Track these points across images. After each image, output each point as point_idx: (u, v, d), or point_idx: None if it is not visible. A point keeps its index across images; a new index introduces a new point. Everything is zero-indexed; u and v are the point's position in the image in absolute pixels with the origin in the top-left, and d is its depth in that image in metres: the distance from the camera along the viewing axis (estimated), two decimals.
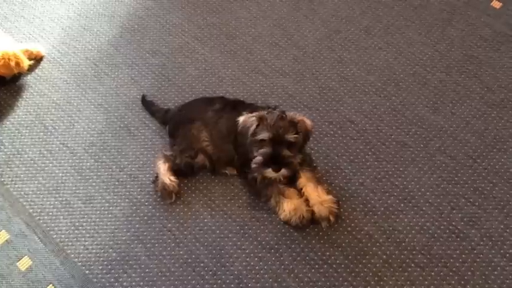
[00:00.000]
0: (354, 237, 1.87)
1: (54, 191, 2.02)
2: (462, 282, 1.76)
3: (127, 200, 1.99)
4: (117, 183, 2.03)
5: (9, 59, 2.22)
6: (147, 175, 2.04)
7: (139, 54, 2.43)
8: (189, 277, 1.81)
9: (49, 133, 2.18)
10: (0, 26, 2.55)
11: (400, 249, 1.83)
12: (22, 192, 2.02)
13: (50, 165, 2.09)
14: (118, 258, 1.86)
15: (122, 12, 2.59)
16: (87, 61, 2.41)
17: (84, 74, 2.37)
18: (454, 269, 1.79)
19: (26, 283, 1.82)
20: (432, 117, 2.16)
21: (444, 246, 1.83)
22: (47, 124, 2.21)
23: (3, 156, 2.12)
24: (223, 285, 1.79)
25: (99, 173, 2.06)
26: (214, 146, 1.97)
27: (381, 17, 2.51)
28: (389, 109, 2.20)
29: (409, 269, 1.79)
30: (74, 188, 2.03)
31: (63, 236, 1.91)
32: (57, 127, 2.20)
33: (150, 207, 1.97)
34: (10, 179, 2.06)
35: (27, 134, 2.19)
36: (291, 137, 1.74)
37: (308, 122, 1.83)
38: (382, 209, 1.93)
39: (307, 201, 1.87)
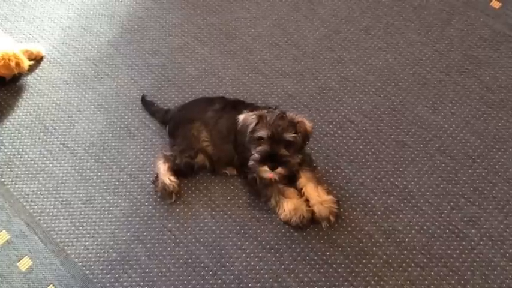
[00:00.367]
0: (354, 237, 1.87)
1: (54, 191, 2.02)
2: (462, 281, 1.76)
3: (127, 200, 1.99)
4: (117, 183, 2.03)
5: (9, 59, 2.22)
6: (147, 175, 2.04)
7: (139, 54, 2.43)
8: (189, 277, 1.81)
9: (49, 133, 2.19)
10: (1, 26, 2.55)
11: (400, 249, 1.84)
12: (22, 193, 2.02)
13: (50, 165, 2.09)
14: (118, 258, 1.86)
15: (121, 13, 2.59)
16: (87, 61, 2.41)
17: (84, 74, 2.37)
18: (454, 268, 1.79)
19: (27, 283, 1.82)
20: (432, 117, 2.17)
21: (444, 246, 1.84)
22: (47, 124, 2.21)
23: (4, 157, 2.12)
24: (224, 285, 1.79)
25: (99, 173, 2.06)
26: (214, 146, 1.97)
27: (380, 17, 2.51)
28: (389, 109, 2.20)
29: (409, 269, 1.79)
30: (74, 188, 2.03)
31: (63, 236, 1.91)
32: (57, 127, 2.20)
33: (150, 207, 1.97)
34: (10, 179, 2.06)
35: (27, 134, 2.19)
36: (289, 136, 1.74)
37: (308, 124, 1.83)
38: (382, 208, 1.93)
39: (307, 201, 1.87)
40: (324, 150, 2.09)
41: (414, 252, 1.83)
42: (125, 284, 1.81)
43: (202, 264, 1.83)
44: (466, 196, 1.95)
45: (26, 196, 2.01)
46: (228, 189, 2.00)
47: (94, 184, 2.04)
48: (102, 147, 2.14)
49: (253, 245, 1.87)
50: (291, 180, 1.90)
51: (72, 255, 1.87)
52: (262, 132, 1.74)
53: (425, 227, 1.88)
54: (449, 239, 1.85)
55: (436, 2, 2.54)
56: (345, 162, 2.05)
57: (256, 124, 1.77)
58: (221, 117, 1.97)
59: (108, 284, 1.80)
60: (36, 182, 2.05)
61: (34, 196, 2.01)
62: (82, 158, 2.11)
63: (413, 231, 1.87)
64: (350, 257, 1.83)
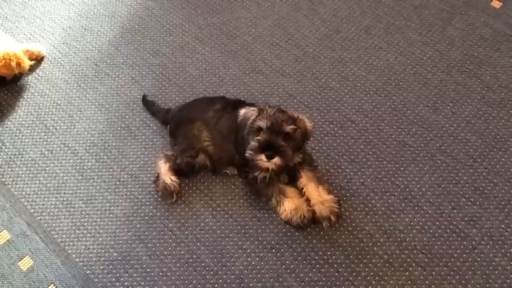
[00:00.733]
0: (355, 236, 1.87)
1: (55, 191, 2.02)
2: (463, 281, 1.76)
3: (128, 199, 1.99)
4: (118, 183, 2.04)
5: (10, 59, 2.22)
6: (148, 175, 2.04)
7: (140, 54, 2.43)
8: (190, 277, 1.81)
9: (50, 133, 2.19)
10: (1, 26, 2.56)
11: (401, 248, 1.84)
12: (23, 193, 2.03)
13: (51, 165, 2.10)
14: (119, 258, 1.86)
15: (122, 13, 2.59)
16: (88, 61, 2.42)
17: (85, 74, 2.37)
18: (454, 268, 1.79)
19: (28, 283, 1.82)
20: (433, 117, 2.17)
21: (445, 245, 1.84)
22: (48, 124, 2.22)
23: (5, 157, 2.12)
24: (224, 285, 1.79)
25: (100, 173, 2.07)
26: (215, 146, 1.97)
27: (381, 17, 2.51)
28: (390, 109, 2.20)
29: (410, 269, 1.79)
30: (75, 188, 2.03)
31: (64, 236, 1.92)
32: (58, 127, 2.21)
33: (151, 207, 1.97)
34: (11, 179, 2.06)
35: (28, 134, 2.19)
36: (288, 128, 1.75)
37: (308, 123, 1.84)
38: (383, 208, 1.93)
39: (308, 200, 1.87)
40: (325, 149, 2.09)
41: (415, 251, 1.83)
42: (126, 283, 1.81)
43: (203, 264, 1.84)
44: (467, 196, 1.95)
45: (27, 196, 2.02)
46: (229, 189, 2.00)
47: (95, 184, 2.04)
48: (103, 147, 2.14)
49: (254, 245, 1.87)
50: (291, 179, 1.91)
51: (73, 255, 1.87)
52: (262, 123, 1.75)
53: (426, 227, 1.88)
54: (450, 238, 1.85)
55: (436, 2, 2.54)
56: (346, 162, 2.05)
57: (257, 116, 1.79)
58: (222, 117, 1.97)
59: (109, 284, 1.81)
60: (37, 182, 2.05)
61: (35, 196, 2.02)
62: (83, 157, 2.11)
63: (414, 231, 1.87)
64: (351, 256, 1.83)
